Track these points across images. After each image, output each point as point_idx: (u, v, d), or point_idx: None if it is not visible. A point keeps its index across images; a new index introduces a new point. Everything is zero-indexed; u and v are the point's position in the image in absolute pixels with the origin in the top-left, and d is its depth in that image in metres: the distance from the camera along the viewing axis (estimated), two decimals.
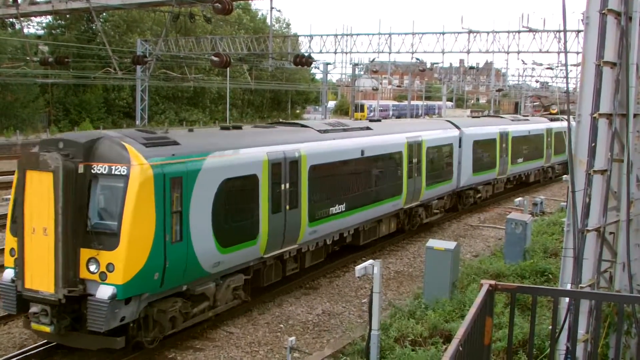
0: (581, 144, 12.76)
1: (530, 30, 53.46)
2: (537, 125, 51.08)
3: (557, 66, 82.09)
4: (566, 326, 11.48)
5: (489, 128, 41.82)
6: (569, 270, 12.66)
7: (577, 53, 45.95)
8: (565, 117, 12.40)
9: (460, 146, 36.69)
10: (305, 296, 23.40)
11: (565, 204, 33.54)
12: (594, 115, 12.45)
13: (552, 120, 56.73)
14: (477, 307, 8.12)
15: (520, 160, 45.65)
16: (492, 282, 8.99)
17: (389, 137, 29.37)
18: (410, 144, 30.64)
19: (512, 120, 48.39)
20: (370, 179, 27.56)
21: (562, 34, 50.00)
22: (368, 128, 28.86)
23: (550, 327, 14.13)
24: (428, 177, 32.32)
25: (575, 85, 52.46)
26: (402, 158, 29.81)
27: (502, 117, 50.79)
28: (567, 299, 11.36)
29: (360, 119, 57.08)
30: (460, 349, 7.02)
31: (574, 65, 46.95)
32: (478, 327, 8.30)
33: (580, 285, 12.33)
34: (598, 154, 12.57)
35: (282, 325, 20.49)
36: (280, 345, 18.85)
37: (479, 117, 56.80)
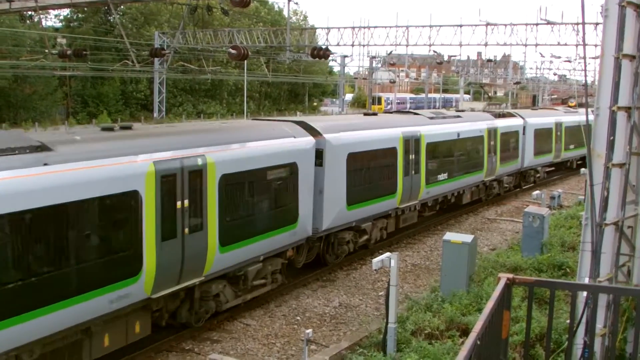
0: (599, 137, 12.73)
1: (549, 23, 53.15)
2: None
3: (575, 59, 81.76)
4: (583, 320, 11.44)
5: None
6: (586, 264, 12.64)
7: (596, 46, 45.68)
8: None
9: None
10: (322, 288, 23.42)
11: (583, 197, 33.41)
12: (613, 109, 12.41)
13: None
14: (495, 300, 8.11)
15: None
16: (510, 275, 8.97)
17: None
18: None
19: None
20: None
21: (580, 26, 49.70)
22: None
23: (567, 321, 14.15)
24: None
25: (593, 78, 52.24)
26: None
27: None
28: (584, 293, 11.33)
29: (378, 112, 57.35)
30: (478, 342, 7.02)
31: (593, 58, 46.73)
32: (495, 321, 8.29)
33: (598, 279, 12.30)
34: (616, 147, 12.54)
35: (298, 318, 20.52)
36: (297, 337, 18.89)
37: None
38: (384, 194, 27.32)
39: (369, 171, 26.46)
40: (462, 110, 44.24)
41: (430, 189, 31.14)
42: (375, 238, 27.77)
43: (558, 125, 49.14)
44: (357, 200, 25.30)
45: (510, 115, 43.88)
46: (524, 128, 43.52)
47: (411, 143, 29.09)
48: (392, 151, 27.86)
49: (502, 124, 40.21)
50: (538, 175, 47.45)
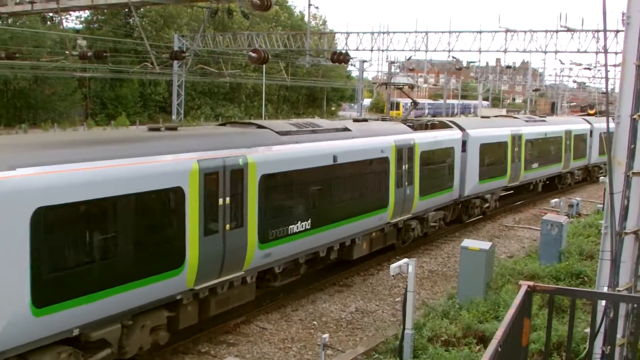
0: (620, 145, 12.62)
1: (569, 30, 52.95)
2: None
3: (595, 66, 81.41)
4: (602, 329, 11.37)
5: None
6: (605, 273, 12.54)
7: (616, 53, 45.43)
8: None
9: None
10: (339, 293, 23.40)
11: (601, 205, 33.29)
12: (634, 117, 12.32)
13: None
14: (516, 308, 8.07)
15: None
16: (531, 283, 8.92)
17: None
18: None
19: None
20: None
21: (600, 34, 49.59)
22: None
23: (585, 330, 14.08)
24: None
25: (613, 85, 51.98)
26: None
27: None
28: (603, 302, 11.25)
29: (396, 117, 57.27)
30: (499, 349, 6.99)
31: (613, 65, 46.49)
32: (516, 329, 8.25)
33: (617, 288, 12.22)
34: (637, 155, 12.44)
35: (315, 322, 20.51)
36: (313, 342, 18.88)
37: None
38: None
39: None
40: (363, 120, 29.82)
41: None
42: None
43: (516, 138, 38.74)
44: None
45: (443, 125, 33.14)
46: (464, 143, 32.99)
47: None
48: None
49: (424, 138, 29.36)
50: (487, 205, 36.46)
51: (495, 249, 24.48)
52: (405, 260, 16.57)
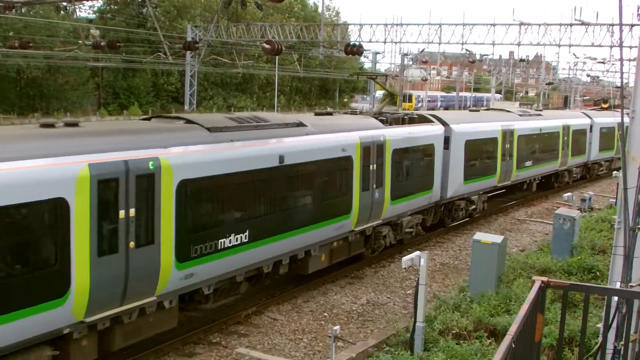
0: (635, 139, 12.58)
1: (583, 24, 52.66)
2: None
3: (609, 60, 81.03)
4: (614, 325, 11.33)
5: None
6: (618, 268, 12.49)
7: (631, 47, 45.23)
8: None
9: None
10: (350, 285, 23.40)
11: (614, 200, 33.16)
12: None
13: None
14: (530, 303, 8.05)
15: (527, 163, 39.12)
16: (544, 278, 8.90)
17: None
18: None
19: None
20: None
21: (614, 27, 49.32)
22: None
23: (597, 325, 14.05)
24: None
25: (628, 80, 51.73)
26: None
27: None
28: (616, 298, 11.21)
29: (408, 109, 56.59)
30: (513, 345, 6.97)
31: (628, 60, 46.28)
32: (529, 324, 8.23)
33: (629, 284, 12.17)
34: None
35: (326, 314, 20.52)
36: (324, 333, 18.89)
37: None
38: None
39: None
40: (326, 114, 27.09)
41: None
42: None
43: (507, 133, 35.87)
44: None
45: (423, 120, 29.65)
46: (447, 139, 30.06)
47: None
48: None
49: (398, 134, 26.30)
50: (474, 207, 33.50)
51: (507, 243, 24.42)
52: (417, 253, 16.57)
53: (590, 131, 49.55)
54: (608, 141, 51.71)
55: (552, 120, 44.06)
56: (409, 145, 26.82)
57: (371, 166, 24.07)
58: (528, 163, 39.14)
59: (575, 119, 48.65)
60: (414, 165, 27.42)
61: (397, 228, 27.01)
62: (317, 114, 26.14)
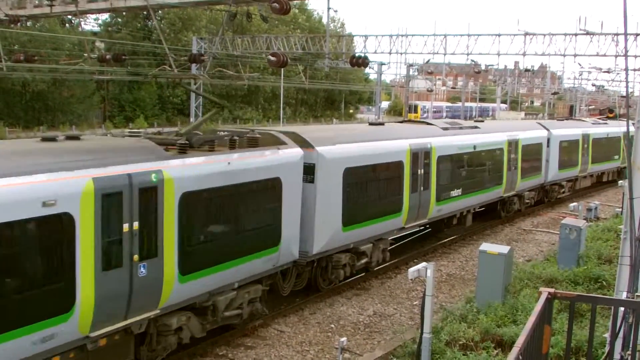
0: None
1: (588, 33, 52.61)
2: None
3: (614, 70, 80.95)
4: (621, 334, 11.32)
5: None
6: (624, 278, 12.50)
7: (636, 57, 45.24)
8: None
9: (548, 145, 40.22)
10: (357, 297, 23.38)
11: (620, 210, 33.12)
12: None
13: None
14: (537, 315, 8.04)
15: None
16: (551, 290, 8.89)
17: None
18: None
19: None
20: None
21: (619, 37, 49.29)
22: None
23: (604, 335, 14.01)
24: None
25: (633, 89, 51.63)
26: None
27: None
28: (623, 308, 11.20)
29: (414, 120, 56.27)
30: (520, 357, 6.96)
31: (633, 70, 46.26)
32: (537, 336, 8.22)
33: (636, 293, 12.15)
34: None
35: (333, 326, 20.50)
36: (330, 345, 18.88)
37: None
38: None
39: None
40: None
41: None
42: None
43: (420, 155, 27.23)
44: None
45: (269, 142, 20.21)
46: (312, 168, 21.35)
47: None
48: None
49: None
50: (365, 259, 24.65)
51: (514, 253, 24.38)
52: (424, 264, 16.54)
53: (548, 146, 41.16)
54: (570, 157, 44.31)
55: (492, 134, 34.88)
56: (220, 184, 17.48)
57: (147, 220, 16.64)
58: (455, 192, 30.38)
59: (527, 131, 39.86)
60: (249, 214, 18.93)
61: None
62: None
